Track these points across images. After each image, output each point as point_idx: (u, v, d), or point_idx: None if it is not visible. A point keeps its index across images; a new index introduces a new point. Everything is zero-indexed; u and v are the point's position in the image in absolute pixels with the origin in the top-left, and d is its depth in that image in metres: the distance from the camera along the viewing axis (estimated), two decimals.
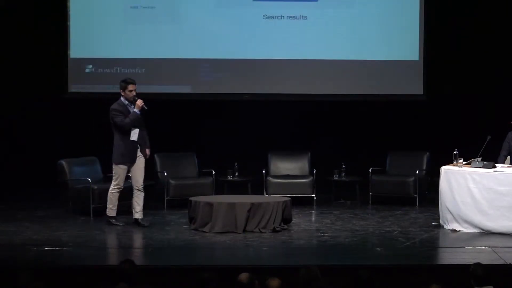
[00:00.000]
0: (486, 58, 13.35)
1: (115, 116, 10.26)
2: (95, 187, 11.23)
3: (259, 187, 12.33)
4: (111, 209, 10.42)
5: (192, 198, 10.46)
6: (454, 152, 10.33)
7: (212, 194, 11.76)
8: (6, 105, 13.27)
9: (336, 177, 12.47)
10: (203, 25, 13.20)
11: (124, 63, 13.24)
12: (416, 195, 12.12)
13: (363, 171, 12.37)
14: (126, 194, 10.56)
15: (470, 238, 9.76)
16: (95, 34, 13.23)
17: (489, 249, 9.06)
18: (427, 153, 12.57)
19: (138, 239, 9.95)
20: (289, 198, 10.57)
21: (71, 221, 10.82)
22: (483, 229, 9.97)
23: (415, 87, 13.34)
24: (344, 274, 7.50)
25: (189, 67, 13.32)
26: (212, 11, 13.20)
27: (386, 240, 9.68)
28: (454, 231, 10.12)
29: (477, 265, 6.57)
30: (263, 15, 13.27)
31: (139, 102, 10.25)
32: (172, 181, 12.03)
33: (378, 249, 9.26)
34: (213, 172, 12.27)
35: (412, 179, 12.17)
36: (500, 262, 8.39)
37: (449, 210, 10.21)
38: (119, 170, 10.32)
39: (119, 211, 10.67)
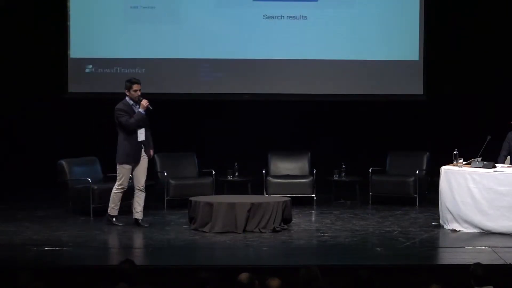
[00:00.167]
0: (486, 58, 13.35)
1: (120, 115, 10.24)
2: (95, 187, 11.23)
3: (259, 187, 12.33)
4: (113, 208, 10.41)
5: (192, 198, 10.46)
6: (454, 152, 10.33)
7: (212, 194, 11.76)
8: (6, 105, 13.27)
9: (336, 177, 12.47)
10: (203, 25, 13.20)
11: (124, 63, 13.24)
12: (416, 195, 12.12)
13: (363, 171, 12.37)
14: (126, 194, 10.55)
15: (470, 238, 9.76)
16: (95, 34, 13.23)
17: (489, 249, 9.06)
18: (427, 153, 12.57)
19: (138, 239, 9.95)
20: (289, 198, 10.57)
21: (71, 221, 10.82)
22: (483, 229, 9.97)
23: (415, 87, 13.34)
24: (344, 274, 7.50)
25: (189, 67, 13.32)
26: (212, 11, 13.21)
27: (386, 240, 9.68)
28: (454, 231, 10.12)
29: (477, 265, 6.57)
30: (263, 15, 13.27)
31: (144, 102, 10.24)
32: (172, 181, 12.03)
33: (378, 249, 9.26)
34: (213, 172, 12.27)
35: (412, 179, 12.17)
36: (500, 262, 8.39)
37: (449, 210, 10.21)
38: (123, 170, 10.29)
39: (120, 211, 10.67)
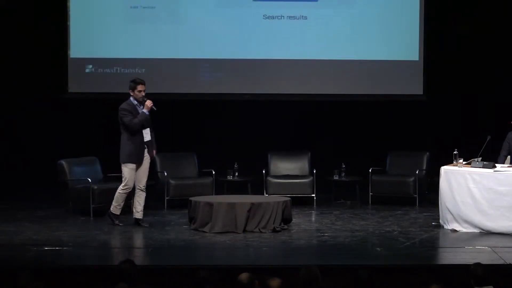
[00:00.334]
0: (486, 58, 13.35)
1: (123, 116, 10.22)
2: (95, 187, 11.23)
3: (259, 187, 12.33)
4: (116, 207, 10.38)
5: (192, 198, 10.46)
6: (454, 152, 10.33)
7: (212, 194, 11.76)
8: (6, 105, 13.27)
9: (336, 177, 12.46)
10: (203, 25, 13.20)
11: (124, 63, 13.24)
12: (416, 195, 12.12)
13: (363, 171, 12.37)
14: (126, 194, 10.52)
15: (470, 238, 9.76)
16: (95, 34, 13.23)
17: (489, 249, 9.06)
18: (427, 153, 12.57)
19: (138, 239, 9.95)
20: (289, 198, 10.57)
21: (71, 221, 10.82)
22: (483, 229, 9.97)
23: (415, 87, 13.34)
24: (344, 274, 7.50)
25: (189, 67, 13.32)
26: (212, 11, 13.21)
27: (386, 240, 9.68)
28: (454, 231, 10.11)
29: (477, 265, 6.56)
30: (263, 15, 13.27)
31: (148, 103, 10.21)
32: (172, 181, 12.03)
33: (378, 249, 9.26)
34: (213, 172, 12.27)
35: (412, 179, 12.17)
36: (500, 262, 8.39)
37: (449, 210, 10.20)
38: (127, 170, 10.25)
39: (121, 211, 10.69)
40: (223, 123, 13.49)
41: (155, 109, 10.28)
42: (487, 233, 9.89)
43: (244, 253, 9.23)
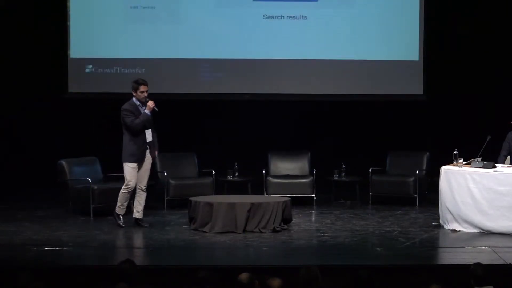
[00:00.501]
0: (486, 58, 13.35)
1: (125, 116, 10.20)
2: (95, 187, 11.23)
3: (259, 187, 12.33)
4: (119, 207, 10.34)
5: (192, 198, 10.46)
6: (454, 152, 10.33)
7: (212, 194, 11.76)
8: (6, 105, 13.27)
9: (336, 177, 12.46)
10: (203, 25, 13.20)
11: (124, 63, 13.25)
12: (416, 195, 12.12)
13: (363, 171, 12.37)
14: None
15: (470, 238, 9.76)
16: (95, 34, 13.23)
17: (489, 249, 9.06)
18: (427, 153, 12.57)
19: (138, 239, 9.95)
20: (289, 198, 10.57)
21: (71, 221, 10.82)
22: (483, 229, 9.97)
23: (415, 87, 13.34)
24: (344, 274, 7.49)
25: (189, 67, 13.32)
26: (212, 11, 13.21)
27: (386, 240, 9.68)
28: (454, 231, 10.11)
29: (477, 265, 6.56)
30: (263, 15, 13.27)
31: (150, 104, 10.19)
32: (172, 181, 12.03)
33: (378, 249, 9.26)
34: (213, 172, 12.27)
35: (412, 179, 12.17)
36: (500, 262, 8.39)
37: (449, 210, 10.20)
38: (128, 169, 10.21)
39: None
40: (223, 123, 13.49)
41: (156, 109, 10.27)
42: (487, 233, 9.89)
43: (244, 253, 9.23)
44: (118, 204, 10.34)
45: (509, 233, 9.75)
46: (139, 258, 8.81)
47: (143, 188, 10.37)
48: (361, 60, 13.29)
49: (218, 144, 13.27)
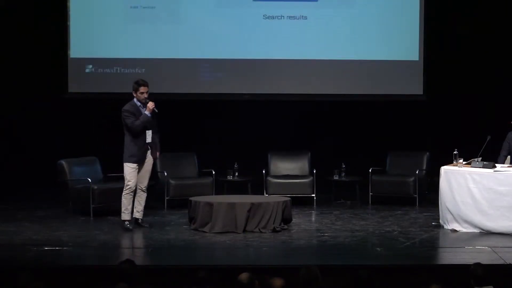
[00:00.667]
0: (486, 58, 13.35)
1: (126, 117, 10.16)
2: (95, 187, 11.23)
3: (259, 187, 12.32)
4: (124, 212, 10.23)
5: (192, 198, 10.46)
6: (454, 152, 10.33)
7: (212, 194, 11.76)
8: (6, 105, 13.27)
9: (336, 177, 12.46)
10: (203, 25, 13.20)
11: (124, 63, 13.25)
12: (416, 195, 12.12)
13: (363, 171, 12.37)
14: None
15: (470, 238, 9.76)
16: (95, 34, 13.23)
17: (489, 249, 9.06)
18: (427, 153, 12.57)
19: (138, 239, 9.94)
20: (289, 198, 10.57)
21: (71, 221, 10.82)
22: (483, 229, 9.97)
23: (415, 87, 13.34)
24: (344, 274, 7.49)
25: (189, 67, 13.32)
26: (212, 11, 13.21)
27: (386, 240, 9.68)
28: (454, 231, 10.11)
29: (477, 265, 6.56)
30: (263, 15, 13.27)
31: (150, 105, 10.14)
32: (172, 181, 12.03)
33: (378, 249, 9.26)
34: (213, 172, 12.27)
35: (412, 179, 12.17)
36: (500, 262, 8.39)
37: (449, 210, 10.20)
38: (128, 169, 10.16)
39: (119, 211, 10.69)
40: (223, 123, 13.49)
41: (156, 111, 10.24)
42: (487, 233, 9.89)
43: (244, 253, 9.23)
44: (123, 209, 10.24)
45: (509, 233, 9.75)
46: (139, 258, 8.81)
47: (144, 188, 10.36)
48: (361, 60, 13.29)
49: (218, 144, 13.27)
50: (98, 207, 11.12)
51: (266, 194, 12.14)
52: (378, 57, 13.28)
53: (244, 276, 6.14)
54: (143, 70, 13.17)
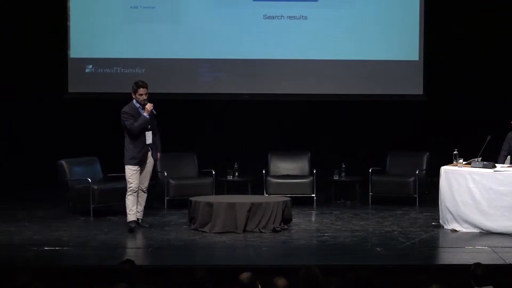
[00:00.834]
0: (486, 58, 13.35)
1: (125, 119, 10.13)
2: (95, 187, 11.22)
3: (259, 187, 12.32)
4: (129, 214, 10.19)
5: (192, 198, 10.46)
6: (454, 152, 10.33)
7: (212, 194, 11.75)
8: (6, 105, 13.26)
9: (336, 177, 12.46)
10: (203, 25, 13.20)
11: (124, 63, 13.25)
12: (416, 195, 12.12)
13: (363, 171, 12.37)
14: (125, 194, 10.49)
15: (470, 238, 9.76)
16: (95, 34, 13.23)
17: (489, 249, 9.06)
18: (427, 153, 12.57)
19: (138, 239, 9.94)
20: (289, 198, 10.57)
21: (71, 221, 10.81)
22: (483, 229, 9.96)
23: (415, 87, 13.34)
24: (344, 274, 7.48)
25: (189, 67, 13.33)
26: (211, 11, 13.21)
27: (386, 240, 9.68)
28: (454, 231, 10.11)
29: (477, 265, 6.55)
30: (263, 15, 13.27)
31: (148, 106, 10.11)
32: (172, 181, 12.03)
33: (378, 249, 9.25)
34: (213, 172, 12.26)
35: (412, 179, 12.17)
36: (500, 262, 8.39)
37: (449, 210, 10.20)
38: (130, 171, 10.14)
39: (119, 211, 10.69)
40: (223, 123, 13.49)
41: (154, 112, 10.21)
42: (487, 233, 9.89)
43: (244, 253, 9.23)
44: (128, 211, 10.20)
45: (509, 233, 9.75)
46: (139, 258, 8.80)
47: (144, 189, 10.34)
48: (361, 60, 13.30)
49: (218, 144, 13.27)
50: (98, 207, 11.12)
51: (266, 194, 12.14)
52: (378, 57, 13.29)
53: (245, 275, 6.14)
54: (143, 70, 13.18)
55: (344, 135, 13.47)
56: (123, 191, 10.40)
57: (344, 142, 13.36)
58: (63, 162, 11.53)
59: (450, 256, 9.28)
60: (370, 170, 12.33)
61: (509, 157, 10.71)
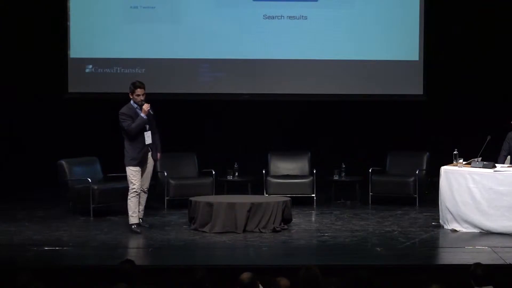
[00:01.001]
0: (486, 58, 13.35)
1: (123, 120, 10.09)
2: (95, 187, 11.22)
3: (259, 187, 12.32)
4: (131, 216, 10.14)
5: (192, 198, 10.46)
6: (454, 152, 10.33)
7: (212, 194, 11.75)
8: (6, 105, 13.26)
9: (336, 177, 12.46)
10: (202, 25, 13.20)
11: (124, 63, 13.25)
12: (416, 195, 12.12)
13: (363, 171, 12.37)
14: (126, 194, 10.48)
15: (470, 238, 9.76)
16: (95, 34, 13.23)
17: (489, 249, 9.06)
18: (427, 153, 12.57)
19: (138, 239, 9.94)
20: (289, 198, 10.57)
21: (71, 221, 10.81)
22: (483, 229, 9.96)
23: (415, 87, 13.35)
24: (344, 274, 7.48)
25: (189, 67, 13.33)
26: (211, 11, 13.21)
27: (386, 240, 9.68)
28: (454, 231, 10.11)
29: (477, 265, 6.55)
30: (263, 15, 13.27)
31: (145, 107, 10.07)
32: (172, 181, 12.03)
33: (378, 249, 9.25)
34: (213, 172, 12.26)
35: (412, 179, 12.17)
36: (500, 262, 8.39)
37: (449, 210, 10.20)
38: (131, 172, 10.11)
39: (118, 212, 10.68)
40: (223, 123, 13.49)
41: (152, 113, 10.18)
42: (487, 233, 9.89)
43: (244, 253, 9.23)
44: (130, 213, 10.15)
45: (509, 233, 9.75)
46: (139, 258, 8.80)
47: (145, 190, 10.33)
48: (361, 60, 13.30)
49: (218, 144, 13.27)
50: (98, 207, 11.12)
51: (266, 194, 12.14)
52: (378, 57, 13.29)
53: (245, 276, 6.14)
54: (143, 70, 13.18)
55: (344, 135, 13.47)
56: (123, 191, 10.41)
57: (344, 142, 13.36)
58: (63, 162, 11.53)
59: (450, 256, 9.28)
60: (370, 170, 12.33)
61: (509, 157, 10.71)
